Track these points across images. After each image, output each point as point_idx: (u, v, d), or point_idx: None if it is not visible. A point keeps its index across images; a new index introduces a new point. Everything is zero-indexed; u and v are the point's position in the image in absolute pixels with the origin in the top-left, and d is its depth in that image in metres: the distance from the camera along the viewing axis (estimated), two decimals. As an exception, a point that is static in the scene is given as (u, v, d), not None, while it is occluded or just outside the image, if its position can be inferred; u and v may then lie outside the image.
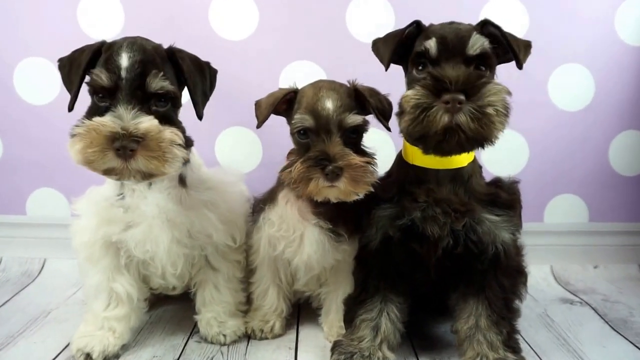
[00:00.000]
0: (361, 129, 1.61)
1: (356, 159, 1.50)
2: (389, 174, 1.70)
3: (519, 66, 1.52)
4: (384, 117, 1.64)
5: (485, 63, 1.46)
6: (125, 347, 1.76)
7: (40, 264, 2.59)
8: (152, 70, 1.45)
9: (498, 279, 1.57)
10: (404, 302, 1.67)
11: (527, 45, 1.56)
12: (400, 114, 1.43)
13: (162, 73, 1.47)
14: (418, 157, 1.55)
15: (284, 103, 1.67)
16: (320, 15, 2.52)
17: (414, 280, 1.65)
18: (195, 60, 1.63)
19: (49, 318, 2.04)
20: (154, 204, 1.62)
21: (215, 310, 1.84)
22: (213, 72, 1.69)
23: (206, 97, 1.66)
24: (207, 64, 1.67)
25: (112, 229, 1.63)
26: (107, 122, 1.37)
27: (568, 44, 2.58)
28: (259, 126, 1.68)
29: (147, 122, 1.40)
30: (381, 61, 1.60)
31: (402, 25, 1.58)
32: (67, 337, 1.78)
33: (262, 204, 1.82)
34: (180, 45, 1.61)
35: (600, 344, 1.86)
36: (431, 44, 1.43)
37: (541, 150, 2.64)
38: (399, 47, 1.57)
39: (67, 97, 1.53)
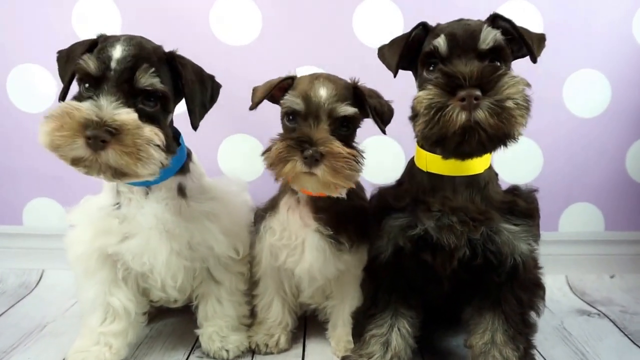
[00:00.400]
0: (353, 122, 1.55)
1: (340, 148, 1.42)
2: (400, 182, 1.62)
3: (533, 60, 1.44)
4: (381, 120, 1.59)
5: (500, 57, 1.38)
6: (123, 363, 1.68)
7: (38, 275, 2.53)
8: (143, 65, 1.38)
9: (515, 292, 1.49)
10: (416, 317, 1.60)
11: (540, 38, 1.47)
12: (414, 117, 1.36)
13: (153, 69, 1.39)
14: (432, 164, 1.47)
15: (280, 90, 1.60)
16: (326, 20, 2.47)
17: (426, 293, 1.58)
18: (197, 70, 1.57)
19: (44, 332, 1.97)
20: (151, 214, 1.55)
21: (217, 325, 1.77)
22: (216, 86, 1.62)
23: (205, 108, 1.59)
24: (211, 77, 1.62)
25: (108, 240, 1.56)
26: (82, 107, 1.28)
27: (584, 49, 2.51)
28: (252, 108, 1.61)
29: (125, 115, 1.31)
30: (388, 68, 1.53)
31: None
32: (63, 352, 1.71)
33: (263, 212, 1.76)
34: (180, 51, 1.55)
35: (620, 358, 1.79)
36: (440, 42, 1.36)
37: (556, 157, 2.58)
38: (407, 51, 1.50)
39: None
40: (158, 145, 1.36)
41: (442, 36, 1.36)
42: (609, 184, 2.64)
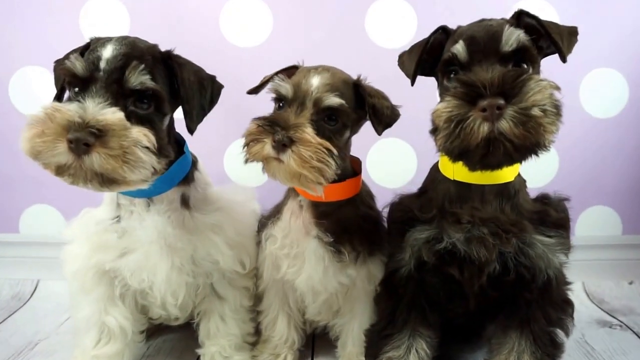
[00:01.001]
0: (341, 117, 1.42)
1: (310, 136, 1.31)
2: (423, 190, 1.52)
3: (563, 59, 1.32)
4: (379, 120, 1.47)
5: (526, 58, 1.26)
6: (118, 387, 1.57)
7: (33, 285, 2.45)
8: (132, 63, 1.27)
9: (545, 310, 1.40)
10: (435, 337, 1.52)
11: (571, 32, 1.35)
12: (434, 131, 1.27)
13: (143, 66, 1.28)
14: (460, 172, 1.37)
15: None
16: (339, 21, 2.40)
17: (448, 310, 1.49)
18: (196, 70, 1.46)
19: (35, 350, 1.86)
20: (152, 227, 1.45)
21: (220, 344, 1.66)
22: (216, 87, 1.51)
23: (203, 111, 1.48)
24: (211, 77, 1.50)
25: (106, 256, 1.46)
26: (64, 108, 1.18)
27: (601, 47, 2.43)
28: (251, 92, 1.57)
29: (110, 114, 1.19)
30: (407, 75, 1.45)
31: (426, 32, 1.44)
32: (54, 374, 1.60)
33: (266, 219, 1.66)
34: (189, 52, 1.47)
35: (649, 377, 1.69)
36: (459, 48, 1.26)
37: (572, 159, 2.50)
38: (428, 57, 1.42)
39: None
40: (147, 148, 1.25)
41: (461, 42, 1.26)
42: (627, 186, 2.55)
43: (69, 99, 1.28)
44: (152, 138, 1.26)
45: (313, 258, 1.51)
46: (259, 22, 2.39)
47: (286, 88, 1.40)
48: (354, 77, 1.50)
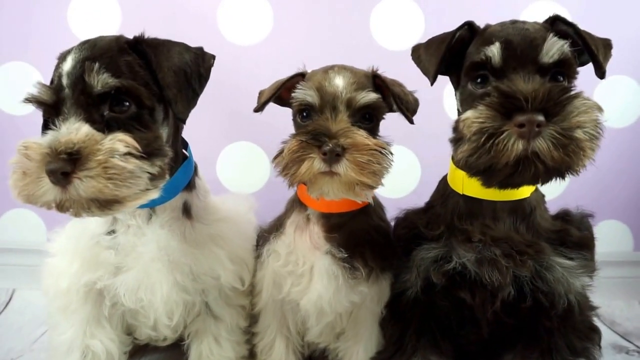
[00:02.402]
0: (376, 113, 1.38)
1: (366, 138, 1.24)
2: (430, 204, 1.46)
3: (601, 74, 1.26)
4: (407, 108, 1.42)
5: (565, 72, 1.20)
6: (101, 413, 1.51)
7: (8, 295, 2.37)
8: (86, 65, 1.17)
9: (568, 339, 1.34)
10: None
11: (607, 45, 1.30)
12: (457, 140, 1.19)
13: (97, 65, 1.17)
14: (470, 186, 1.31)
15: (289, 89, 1.41)
16: (342, 20, 2.36)
17: (460, 337, 1.42)
18: (177, 50, 1.32)
19: (8, 369, 1.78)
20: (154, 242, 1.38)
21: (213, 367, 1.61)
22: (206, 60, 1.37)
23: (194, 92, 1.33)
24: (197, 51, 1.36)
25: (99, 274, 1.39)
26: (32, 143, 1.11)
27: (615, 54, 2.32)
28: (256, 109, 1.46)
29: (75, 133, 1.11)
30: (424, 73, 1.36)
31: (432, 32, 1.38)
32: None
33: (267, 233, 1.57)
34: None
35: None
36: (494, 51, 1.18)
37: (584, 171, 2.38)
38: (447, 54, 1.32)
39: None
40: (130, 154, 1.14)
41: (497, 44, 1.18)
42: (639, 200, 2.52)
43: (45, 128, 1.21)
44: (131, 141, 1.15)
45: (325, 276, 1.43)
46: (258, 19, 2.35)
47: (312, 95, 1.32)
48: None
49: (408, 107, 1.42)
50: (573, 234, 1.32)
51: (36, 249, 1.54)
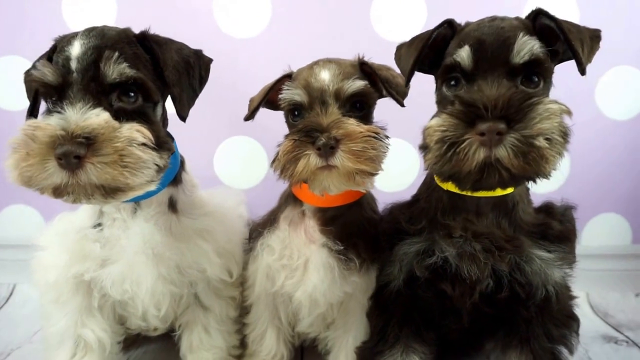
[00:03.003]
0: (367, 100, 1.40)
1: (357, 126, 1.26)
2: (415, 199, 1.48)
3: (582, 71, 1.22)
4: (396, 91, 1.43)
5: (537, 72, 1.20)
6: (95, 403, 1.55)
7: (9, 290, 2.43)
8: (105, 53, 1.20)
9: (546, 327, 1.36)
10: (429, 352, 1.48)
11: (593, 37, 1.26)
12: (424, 148, 1.20)
13: (117, 54, 1.21)
14: None
15: (279, 92, 1.43)
16: (342, 11, 2.36)
17: (442, 327, 1.46)
18: (179, 48, 1.39)
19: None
20: (138, 235, 1.40)
21: (203, 357, 1.65)
22: (205, 63, 1.44)
23: (194, 93, 1.40)
24: (197, 52, 1.44)
25: (86, 266, 1.41)
26: (44, 124, 1.12)
27: (620, 44, 2.39)
28: (246, 118, 1.50)
29: (95, 118, 1.14)
30: (402, 72, 1.38)
31: (435, 23, 1.35)
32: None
33: (260, 228, 1.60)
34: None
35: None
36: (463, 55, 1.19)
37: (584, 163, 2.48)
38: (430, 52, 1.33)
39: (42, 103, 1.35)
40: (145, 144, 1.18)
41: (466, 47, 1.19)
42: (639, 193, 2.53)
43: (48, 111, 1.22)
44: (147, 132, 1.20)
45: (322, 269, 1.46)
46: (256, 12, 2.35)
47: (299, 94, 1.36)
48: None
49: (398, 90, 1.44)
50: (554, 227, 1.34)
51: (36, 244, 1.54)
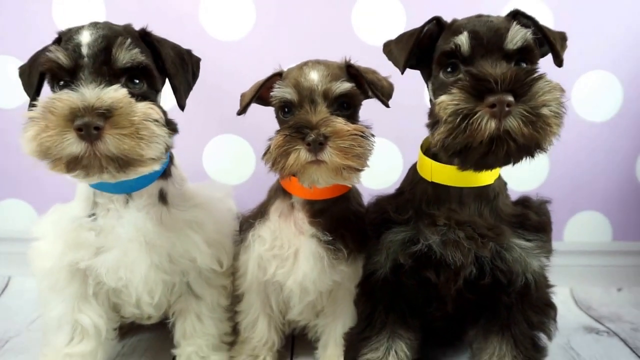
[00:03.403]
0: (353, 100, 1.47)
1: (344, 125, 1.34)
2: (400, 191, 1.54)
3: (559, 63, 1.36)
4: (382, 93, 1.51)
5: (527, 58, 1.29)
6: (91, 387, 1.59)
7: (4, 282, 2.45)
8: (118, 40, 1.28)
9: (526, 314, 1.43)
10: (415, 338, 1.54)
11: (562, 38, 1.39)
12: (434, 124, 1.26)
13: (129, 40, 1.30)
14: (438, 173, 1.40)
15: (269, 89, 1.50)
16: (324, 15, 2.40)
17: (427, 313, 1.51)
18: (173, 46, 1.49)
19: (6, 347, 1.87)
20: (131, 224, 1.45)
21: (197, 344, 1.68)
22: (195, 61, 1.54)
23: (189, 86, 1.51)
24: (189, 51, 1.54)
25: (81, 254, 1.45)
26: (64, 97, 1.18)
27: (595, 49, 2.47)
28: (239, 112, 1.55)
29: (113, 92, 1.21)
30: (395, 65, 1.44)
31: (415, 26, 1.43)
32: (25, 372, 1.61)
33: (251, 219, 1.66)
34: None
35: (633, 381, 1.72)
36: (463, 40, 1.26)
37: (562, 162, 2.54)
38: (417, 48, 1.41)
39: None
40: (157, 121, 1.27)
41: (465, 33, 1.26)
42: (618, 191, 2.60)
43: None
44: (159, 110, 1.30)
45: (311, 258, 1.53)
46: (241, 15, 2.39)
47: (290, 92, 1.42)
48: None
49: (383, 92, 1.51)
50: (532, 218, 1.40)
51: (29, 238, 1.58)
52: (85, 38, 1.27)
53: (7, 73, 2.38)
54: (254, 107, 1.57)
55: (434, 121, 1.26)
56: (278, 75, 1.52)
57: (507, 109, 1.14)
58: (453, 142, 1.20)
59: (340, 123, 1.34)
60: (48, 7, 2.34)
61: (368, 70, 1.53)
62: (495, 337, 1.44)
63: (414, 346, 1.52)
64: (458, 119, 1.17)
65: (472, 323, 1.50)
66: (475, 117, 1.15)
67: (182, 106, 1.46)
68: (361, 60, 1.54)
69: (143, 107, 1.25)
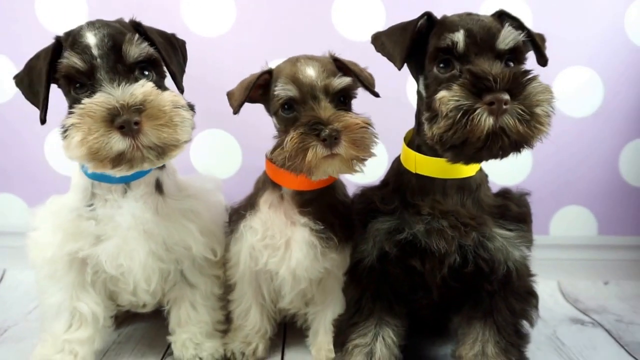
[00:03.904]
0: (350, 94, 1.56)
1: (354, 119, 1.42)
2: (385, 182, 1.60)
3: (543, 62, 1.44)
4: (369, 83, 1.60)
5: (516, 58, 1.35)
6: (88, 372, 1.64)
7: (0, 275, 2.49)
8: (126, 37, 1.36)
9: (508, 301, 1.47)
10: (401, 325, 1.58)
11: (542, 39, 1.46)
12: (432, 118, 1.31)
13: (137, 35, 1.39)
14: (422, 166, 1.46)
15: (259, 87, 1.59)
16: (304, 11, 2.45)
17: (413, 301, 1.56)
18: (162, 32, 1.55)
19: (5, 336, 1.93)
20: (130, 214, 1.51)
21: (191, 331, 1.74)
22: (182, 43, 1.62)
23: (183, 70, 1.59)
24: (173, 35, 1.60)
25: (80, 244, 1.52)
26: (98, 101, 1.26)
27: (575, 45, 2.52)
28: (235, 112, 1.58)
29: (142, 87, 1.30)
30: (390, 59, 1.45)
31: (393, 23, 1.48)
32: (24, 358, 1.66)
33: (241, 210, 1.71)
34: None
35: (617, 371, 1.76)
36: (460, 37, 1.31)
37: (546, 158, 2.58)
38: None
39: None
40: (183, 106, 1.38)
41: (462, 31, 1.31)
42: (602, 186, 2.64)
43: (73, 99, 1.36)
44: (181, 96, 1.41)
45: (304, 246, 1.59)
46: (221, 11, 2.43)
47: (291, 90, 1.47)
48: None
49: (368, 82, 1.59)
50: (512, 209, 1.46)
51: (24, 231, 1.62)
52: (91, 39, 1.34)
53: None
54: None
55: (432, 115, 1.31)
56: (267, 74, 1.58)
57: (504, 107, 1.19)
58: (452, 137, 1.25)
59: (350, 117, 1.41)
60: (31, 4, 2.38)
61: (352, 62, 1.60)
62: (479, 323, 1.48)
63: (400, 333, 1.56)
64: (459, 115, 1.22)
65: (456, 310, 1.55)
66: (475, 113, 1.21)
67: (181, 90, 1.53)
68: (342, 55, 1.60)
69: (169, 96, 1.35)
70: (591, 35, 2.50)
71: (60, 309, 1.58)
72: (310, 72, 1.47)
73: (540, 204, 2.51)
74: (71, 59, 1.33)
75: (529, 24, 1.43)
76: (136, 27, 1.47)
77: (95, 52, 1.33)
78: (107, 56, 1.33)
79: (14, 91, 2.40)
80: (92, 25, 1.38)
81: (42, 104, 1.42)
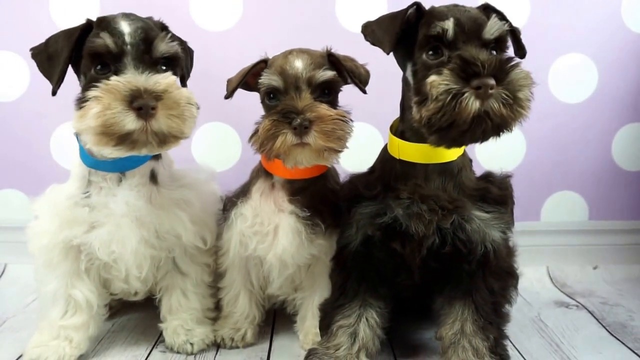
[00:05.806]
0: (334, 87, 1.61)
1: (327, 110, 1.48)
2: (372, 170, 1.66)
3: (522, 54, 1.52)
4: (360, 80, 1.64)
5: (500, 47, 1.43)
6: (83, 358, 1.71)
7: (1, 269, 2.55)
8: (158, 34, 1.49)
9: (487, 281, 1.53)
10: (385, 307, 1.63)
11: (519, 32, 1.54)
12: (422, 101, 1.36)
13: (170, 34, 1.53)
14: (405, 151, 1.51)
15: (254, 76, 1.64)
16: (309, 5, 2.51)
17: (396, 283, 1.61)
18: (177, 38, 1.64)
19: (4, 327, 1.99)
20: (123, 201, 1.58)
21: (182, 318, 1.79)
22: (191, 52, 1.75)
23: (189, 73, 1.72)
24: (186, 42, 1.72)
25: (75, 231, 1.58)
26: (123, 80, 1.36)
27: (570, 32, 2.56)
28: (227, 97, 1.67)
29: (166, 79, 1.40)
30: (380, 45, 1.49)
31: None
32: (22, 347, 1.71)
33: (234, 198, 1.77)
34: None
35: (596, 350, 1.81)
36: (450, 25, 1.36)
37: (539, 144, 2.62)
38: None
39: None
40: (194, 104, 1.48)
41: (452, 19, 1.37)
42: (594, 171, 2.68)
43: (92, 77, 1.43)
44: (193, 95, 1.49)
45: (290, 233, 1.64)
46: (228, 6, 2.48)
47: (276, 79, 1.54)
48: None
49: (360, 79, 1.64)
50: (493, 192, 1.52)
51: (25, 226, 1.68)
52: (126, 28, 1.44)
53: (5, 67, 2.47)
54: (241, 96, 1.68)
55: (422, 98, 1.36)
56: (263, 63, 1.64)
57: (490, 91, 1.26)
58: (440, 119, 1.30)
59: (323, 108, 1.47)
60: (46, 2, 2.43)
61: (347, 58, 1.65)
62: (459, 302, 1.53)
63: (384, 314, 1.61)
64: (449, 98, 1.28)
65: (439, 292, 1.60)
66: (464, 97, 1.27)
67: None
68: (345, 48, 1.66)
69: (186, 92, 1.46)
70: (587, 22, 2.56)
71: (56, 297, 1.64)
72: (298, 64, 1.53)
73: (532, 189, 2.59)
74: (106, 39, 1.41)
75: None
76: (163, 27, 1.58)
77: (127, 39, 1.42)
78: (137, 45, 1.43)
79: (21, 91, 2.47)
80: (127, 16, 1.48)
81: (58, 76, 1.49)
